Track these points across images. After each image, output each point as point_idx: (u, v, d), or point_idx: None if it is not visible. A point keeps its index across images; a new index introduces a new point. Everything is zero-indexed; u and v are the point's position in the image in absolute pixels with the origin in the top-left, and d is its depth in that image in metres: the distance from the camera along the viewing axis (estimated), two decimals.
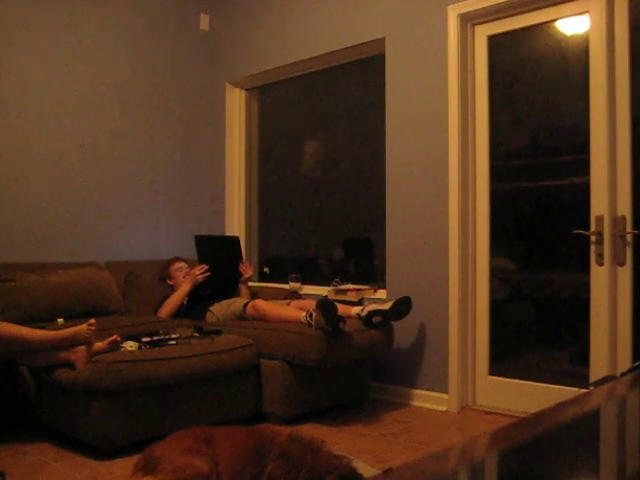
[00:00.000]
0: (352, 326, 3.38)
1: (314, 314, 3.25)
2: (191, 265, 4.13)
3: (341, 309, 3.37)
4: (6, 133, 3.91)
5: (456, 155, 3.58)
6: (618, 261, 3.12)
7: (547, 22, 3.40)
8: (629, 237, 3.10)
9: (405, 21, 3.82)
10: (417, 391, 3.75)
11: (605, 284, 3.13)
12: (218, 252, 4.19)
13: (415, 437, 3.14)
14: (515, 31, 3.51)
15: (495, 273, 3.60)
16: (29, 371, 3.08)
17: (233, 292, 4.13)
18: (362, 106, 4.33)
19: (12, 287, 3.50)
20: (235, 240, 4.40)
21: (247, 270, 4.22)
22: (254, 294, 4.19)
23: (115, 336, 2.92)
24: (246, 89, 4.99)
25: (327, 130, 4.62)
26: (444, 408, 3.60)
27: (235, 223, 4.96)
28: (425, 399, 3.70)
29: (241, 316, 3.67)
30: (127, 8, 4.48)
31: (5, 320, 3.04)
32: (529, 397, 3.38)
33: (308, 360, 3.22)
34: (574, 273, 3.34)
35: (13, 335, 2.83)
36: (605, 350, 3.11)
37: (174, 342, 3.15)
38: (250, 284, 4.30)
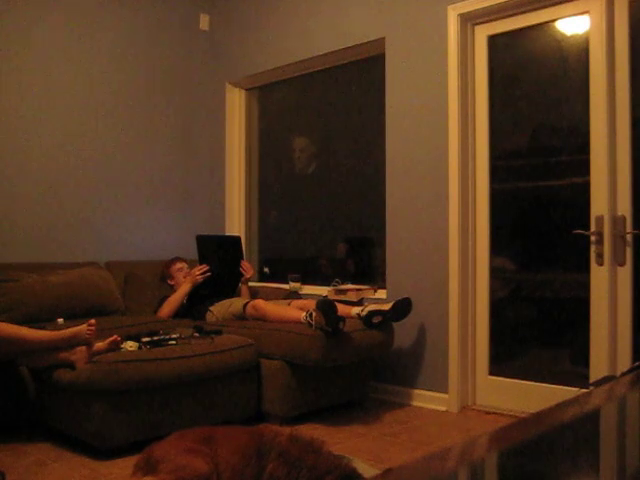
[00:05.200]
0: (352, 326, 3.38)
1: (314, 314, 3.25)
2: (191, 265, 4.14)
3: (341, 309, 3.37)
4: (6, 133, 3.91)
5: (456, 155, 3.58)
6: (618, 261, 3.12)
7: (547, 22, 3.39)
8: (629, 237, 3.10)
9: (405, 21, 3.82)
10: (417, 391, 3.75)
11: (605, 284, 3.13)
12: (219, 252, 4.19)
13: (415, 437, 3.14)
14: (515, 31, 3.51)
15: (495, 273, 3.60)
16: (29, 371, 3.08)
17: (233, 292, 4.13)
18: (362, 106, 4.33)
19: (12, 287, 3.50)
20: (236, 240, 4.40)
21: (248, 270, 4.22)
22: (254, 294, 4.19)
23: (115, 336, 2.91)
24: (246, 89, 4.99)
25: (327, 130, 4.61)
26: (444, 408, 3.60)
27: (235, 223, 4.96)
28: (425, 399, 3.70)
29: (241, 316, 3.67)
30: (127, 8, 4.48)
31: (5, 320, 3.04)
32: (529, 397, 3.38)
33: (308, 360, 3.22)
34: (574, 273, 3.34)
35: (13, 335, 2.83)
36: (605, 350, 3.11)
37: (174, 342, 3.15)
38: (250, 284, 4.30)
